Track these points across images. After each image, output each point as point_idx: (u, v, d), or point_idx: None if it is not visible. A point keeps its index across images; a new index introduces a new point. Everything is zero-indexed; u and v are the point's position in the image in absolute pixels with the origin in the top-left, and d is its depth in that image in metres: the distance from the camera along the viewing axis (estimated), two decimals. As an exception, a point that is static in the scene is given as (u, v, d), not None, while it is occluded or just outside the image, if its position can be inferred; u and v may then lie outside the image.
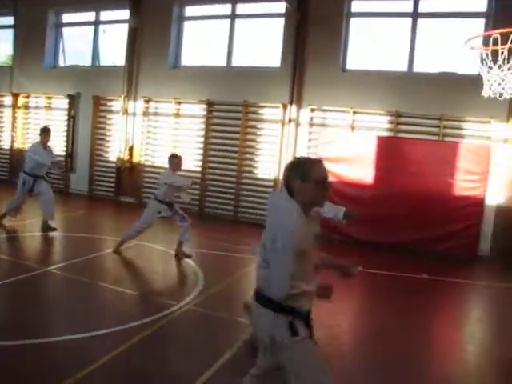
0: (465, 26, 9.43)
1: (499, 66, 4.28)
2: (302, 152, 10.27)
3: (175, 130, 11.25)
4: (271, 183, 10.57)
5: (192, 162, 11.05)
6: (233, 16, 10.90)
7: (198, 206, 11.12)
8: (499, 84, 4.36)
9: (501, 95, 4.50)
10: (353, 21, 10.11)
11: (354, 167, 9.62)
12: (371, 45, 10.07)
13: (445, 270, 7.66)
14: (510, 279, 7.62)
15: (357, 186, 9.64)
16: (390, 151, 9.43)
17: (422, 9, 9.62)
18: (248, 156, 10.77)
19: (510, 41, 4.05)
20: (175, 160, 7.24)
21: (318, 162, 2.63)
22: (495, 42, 4.55)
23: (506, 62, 4.25)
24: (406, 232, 9.08)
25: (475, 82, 9.15)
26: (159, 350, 4.02)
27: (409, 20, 9.68)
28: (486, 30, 9.17)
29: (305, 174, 2.52)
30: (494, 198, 9.15)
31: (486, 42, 4.46)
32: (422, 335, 5.03)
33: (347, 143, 9.71)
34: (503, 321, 5.84)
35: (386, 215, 9.15)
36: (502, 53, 4.26)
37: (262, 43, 10.76)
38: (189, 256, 7.04)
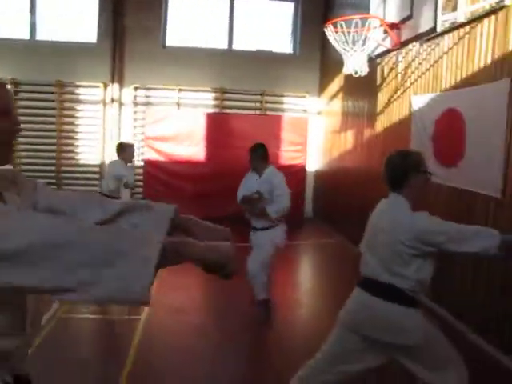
0: (278, 8, 10.12)
1: (351, 48, 4.71)
2: (128, 133, 9.82)
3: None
4: (96, 169, 9.88)
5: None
6: (34, -18, 9.62)
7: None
8: (357, 63, 4.81)
9: (356, 73, 4.98)
10: (171, -4, 9.90)
11: (183, 145, 9.61)
12: (191, 22, 10.00)
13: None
14: (330, 235, 8.60)
15: (187, 163, 9.67)
16: (217, 127, 9.64)
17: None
18: (68, 141, 9.81)
19: (367, 25, 4.48)
20: (128, 149, 6.30)
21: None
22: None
23: (356, 43, 4.71)
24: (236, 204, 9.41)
25: (290, 59, 10.03)
26: (51, 371, 3.50)
27: (227, -2, 9.91)
28: (296, 13, 9.98)
29: (417, 165, 2.45)
30: (312, 165, 10.17)
31: (336, 25, 4.82)
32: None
33: (175, 121, 9.63)
34: (327, 271, 6.67)
35: (217, 190, 9.20)
36: (353, 35, 4.72)
37: (74, 15, 9.72)
38: None
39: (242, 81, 9.77)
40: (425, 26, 3.88)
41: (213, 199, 9.31)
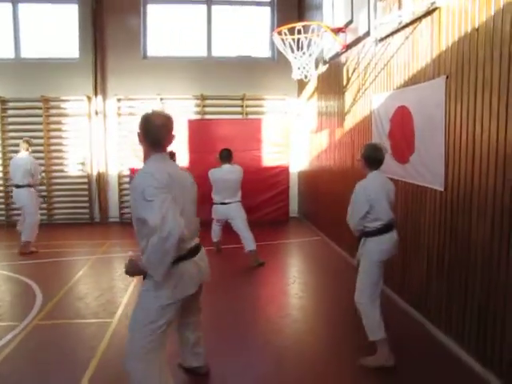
0: (254, 13, 10.35)
1: (303, 53, 4.94)
2: (113, 142, 10.09)
3: (-38, 134, 9.90)
4: (85, 179, 10.15)
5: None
6: (15, 0, 9.90)
7: (4, 215, 10.08)
8: (304, 68, 5.04)
9: (305, 77, 5.19)
10: (150, 8, 10.14)
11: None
12: (170, 32, 10.26)
13: (265, 235, 8.39)
14: (314, 233, 8.80)
15: (173, 170, 9.85)
16: (200, 133, 9.83)
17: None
18: (55, 154, 10.09)
19: (310, 31, 4.71)
20: (175, 156, 7.40)
21: None
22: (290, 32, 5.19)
23: (304, 49, 4.95)
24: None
25: (269, 64, 10.24)
26: (19, 376, 3.71)
27: (204, 7, 10.15)
28: (272, 17, 10.20)
29: None
30: (295, 166, 10.37)
31: (290, 31, 5.07)
32: (259, 291, 5.75)
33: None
34: (316, 267, 6.86)
35: (202, 194, 9.01)
36: (303, 41, 4.94)
37: (55, 32, 10.02)
38: None
39: (223, 86, 10.02)
40: (362, 29, 4.07)
41: (198, 203, 9.40)
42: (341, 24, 4.69)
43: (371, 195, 3.73)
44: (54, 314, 4.98)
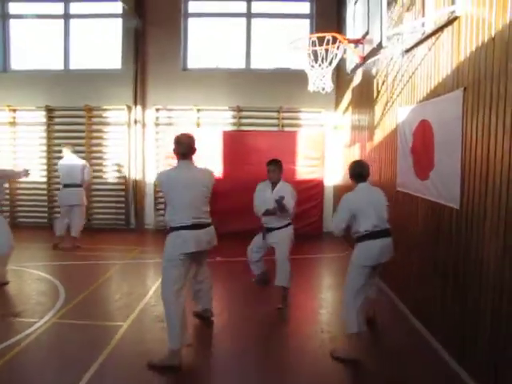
0: (294, 26, 10.36)
1: (319, 65, 4.93)
2: (151, 152, 10.34)
3: (13, 140, 10.46)
4: (122, 186, 10.45)
5: (36, 173, 10.43)
6: (66, 16, 10.42)
7: (47, 218, 10.54)
8: (320, 80, 5.03)
9: (323, 89, 5.17)
10: (191, 21, 10.40)
11: (201, 162, 9.89)
12: (210, 44, 10.46)
13: (297, 248, 8.23)
14: (344, 249, 8.55)
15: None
16: (235, 144, 9.90)
17: (254, 9, 10.33)
18: (96, 161, 10.45)
19: (325, 42, 4.72)
20: None
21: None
22: (317, 43, 5.17)
23: (324, 61, 4.94)
24: (255, 219, 9.32)
25: (306, 76, 10.18)
26: (28, 368, 3.86)
27: (243, 20, 10.31)
28: (311, 29, 10.19)
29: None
30: (330, 179, 10.23)
31: (309, 43, 5.09)
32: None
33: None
34: (338, 283, 6.63)
35: (236, 206, 8.96)
36: (321, 53, 4.94)
37: (101, 44, 10.46)
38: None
39: (260, 98, 10.08)
40: (376, 40, 4.00)
41: (232, 215, 9.26)
42: (359, 35, 4.63)
43: (354, 205, 4.14)
44: (72, 314, 5.12)
